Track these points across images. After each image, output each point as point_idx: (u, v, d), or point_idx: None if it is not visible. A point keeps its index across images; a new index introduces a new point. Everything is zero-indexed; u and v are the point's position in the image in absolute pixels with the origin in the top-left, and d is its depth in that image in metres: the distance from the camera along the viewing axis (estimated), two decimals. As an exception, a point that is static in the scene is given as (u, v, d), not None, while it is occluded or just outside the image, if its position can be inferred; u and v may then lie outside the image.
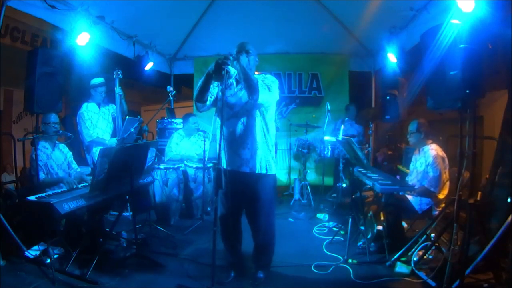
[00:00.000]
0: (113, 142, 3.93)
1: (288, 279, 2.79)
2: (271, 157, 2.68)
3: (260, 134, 2.62)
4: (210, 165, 4.24)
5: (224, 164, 2.67)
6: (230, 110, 2.64)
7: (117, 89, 3.97)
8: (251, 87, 2.45)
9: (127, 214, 4.13)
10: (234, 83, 2.71)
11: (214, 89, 2.68)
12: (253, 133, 2.60)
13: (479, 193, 3.32)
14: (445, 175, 3.24)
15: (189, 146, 4.66)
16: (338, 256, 3.14)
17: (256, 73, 2.64)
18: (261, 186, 2.62)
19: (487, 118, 5.59)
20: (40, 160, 3.20)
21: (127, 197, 3.27)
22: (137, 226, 3.25)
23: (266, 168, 2.62)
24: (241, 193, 2.64)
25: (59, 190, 2.87)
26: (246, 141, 2.59)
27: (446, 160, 3.27)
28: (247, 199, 2.66)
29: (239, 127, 2.60)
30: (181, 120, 5.11)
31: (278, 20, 5.30)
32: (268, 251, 2.78)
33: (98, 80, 4.07)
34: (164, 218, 4.13)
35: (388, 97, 4.95)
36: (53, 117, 3.37)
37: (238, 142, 2.60)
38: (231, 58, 2.42)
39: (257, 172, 2.60)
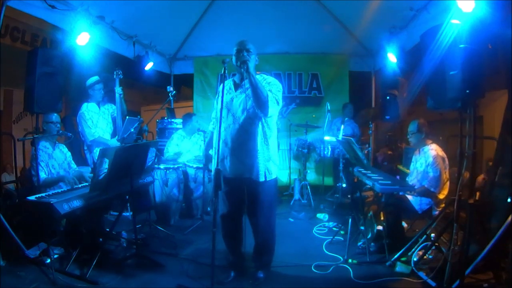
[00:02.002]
0: (114, 142, 3.93)
1: (288, 279, 2.79)
2: (274, 162, 2.65)
3: (262, 140, 2.58)
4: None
5: (227, 172, 2.61)
6: (232, 116, 2.59)
7: (118, 89, 3.97)
8: (261, 102, 2.40)
9: (127, 214, 4.13)
10: (233, 87, 2.66)
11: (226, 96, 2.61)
12: (256, 139, 2.54)
13: (478, 193, 3.31)
14: (445, 175, 3.24)
15: (190, 146, 4.66)
16: (338, 256, 3.14)
17: (257, 72, 2.62)
18: (263, 191, 2.60)
19: (487, 118, 5.60)
20: (42, 160, 3.20)
21: (127, 197, 3.27)
22: (137, 226, 3.25)
23: (268, 174, 2.59)
24: (242, 195, 2.64)
25: (59, 190, 2.86)
26: (249, 148, 2.54)
27: (446, 160, 3.27)
28: (249, 201, 2.65)
29: (241, 133, 2.54)
30: (181, 120, 5.10)
31: (278, 20, 5.30)
32: (268, 251, 2.78)
33: (93, 78, 4.07)
34: (164, 218, 4.13)
35: (388, 97, 4.95)
36: (55, 117, 3.37)
37: (240, 149, 2.55)
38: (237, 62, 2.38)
39: (260, 180, 2.56)
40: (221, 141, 2.54)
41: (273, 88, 2.55)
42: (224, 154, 2.60)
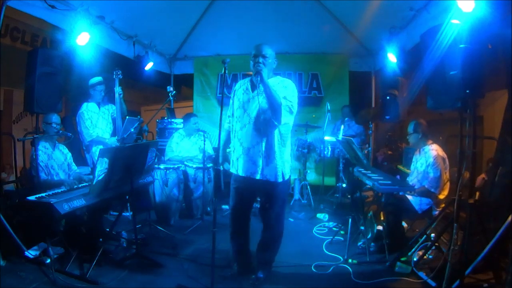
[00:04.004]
0: (113, 141, 3.93)
1: (288, 279, 2.79)
2: (287, 165, 2.67)
3: (279, 142, 2.59)
4: (210, 165, 4.24)
5: (240, 171, 2.62)
6: (247, 116, 2.59)
7: (117, 89, 3.96)
8: (274, 111, 2.44)
9: (127, 214, 4.13)
10: (250, 87, 2.64)
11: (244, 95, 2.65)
12: (271, 141, 2.55)
13: (477, 193, 3.31)
14: (446, 176, 3.24)
15: (189, 146, 4.66)
16: (338, 256, 3.15)
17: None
18: (277, 191, 2.62)
19: (487, 118, 5.59)
20: (41, 160, 3.20)
21: (127, 197, 3.27)
22: (137, 226, 3.24)
23: (281, 177, 2.60)
24: (251, 194, 2.69)
25: (59, 190, 2.86)
26: (263, 149, 2.54)
27: (447, 160, 3.27)
28: (261, 199, 2.70)
29: (256, 134, 2.55)
30: (181, 120, 5.11)
31: (278, 20, 5.30)
32: (272, 249, 2.78)
33: (97, 79, 4.07)
34: (164, 218, 4.13)
35: (388, 97, 4.94)
36: (55, 117, 3.36)
37: (254, 149, 2.56)
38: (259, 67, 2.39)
39: (274, 180, 2.57)
40: (236, 140, 2.64)
41: (288, 94, 2.53)
42: (238, 153, 2.63)
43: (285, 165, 2.63)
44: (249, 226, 2.81)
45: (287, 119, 2.52)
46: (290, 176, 2.71)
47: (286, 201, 2.78)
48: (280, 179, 2.58)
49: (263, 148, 2.54)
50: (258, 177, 2.56)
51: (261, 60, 2.48)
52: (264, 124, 2.53)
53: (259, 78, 2.39)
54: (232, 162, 2.70)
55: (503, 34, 2.70)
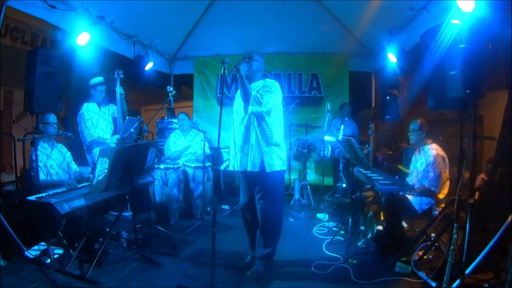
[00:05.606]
0: (113, 141, 3.92)
1: (288, 279, 2.79)
2: (277, 156, 2.77)
3: (260, 137, 2.75)
4: (208, 163, 4.24)
5: (230, 167, 2.92)
6: (238, 116, 2.85)
7: (119, 89, 3.96)
8: (244, 100, 2.70)
9: (127, 214, 4.13)
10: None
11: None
12: (253, 136, 2.75)
13: (477, 193, 3.31)
14: (446, 174, 3.24)
15: (186, 144, 4.66)
16: (338, 256, 3.14)
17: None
18: (261, 182, 2.76)
19: (487, 118, 5.59)
20: (40, 160, 3.20)
21: (127, 197, 3.26)
22: (137, 226, 3.25)
23: (268, 167, 2.73)
24: (251, 186, 2.84)
25: (59, 190, 2.86)
26: (247, 144, 2.77)
27: (447, 159, 3.27)
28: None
29: (242, 131, 2.79)
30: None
31: (277, 20, 5.31)
32: (267, 241, 2.80)
33: (98, 79, 4.07)
34: (164, 218, 4.13)
35: (388, 97, 4.95)
36: (52, 117, 3.36)
37: (240, 144, 2.80)
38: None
39: (253, 170, 2.74)
40: (232, 140, 2.88)
41: (261, 89, 2.72)
42: (231, 151, 2.92)
43: (272, 157, 2.75)
44: (257, 215, 2.84)
45: (255, 109, 2.68)
46: (282, 171, 2.83)
47: (275, 195, 2.83)
48: (257, 169, 2.71)
49: (247, 142, 2.76)
50: (242, 168, 2.79)
51: (247, 60, 2.75)
52: (247, 120, 2.77)
53: (234, 69, 2.62)
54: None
55: (503, 34, 2.71)
